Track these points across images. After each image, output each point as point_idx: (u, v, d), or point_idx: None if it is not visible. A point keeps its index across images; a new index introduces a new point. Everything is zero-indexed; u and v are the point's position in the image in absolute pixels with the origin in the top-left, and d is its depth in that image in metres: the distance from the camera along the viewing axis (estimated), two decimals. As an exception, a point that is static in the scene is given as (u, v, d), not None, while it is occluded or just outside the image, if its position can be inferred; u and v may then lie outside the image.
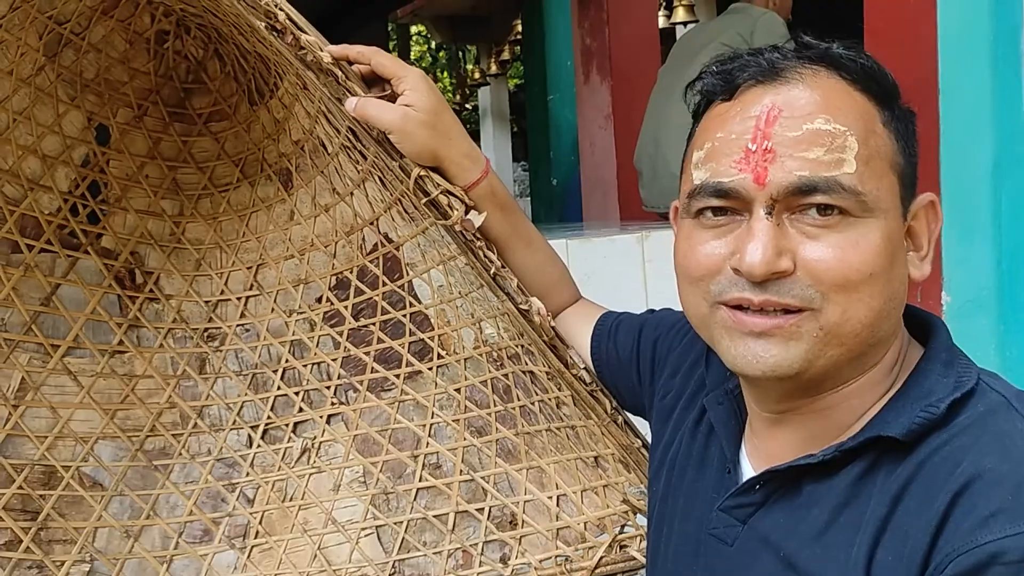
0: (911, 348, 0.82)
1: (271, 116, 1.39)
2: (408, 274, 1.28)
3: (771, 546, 0.79)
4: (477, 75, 9.24)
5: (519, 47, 7.83)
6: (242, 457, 1.33)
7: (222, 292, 1.40)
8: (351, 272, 1.34)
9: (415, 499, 1.26)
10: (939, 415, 0.73)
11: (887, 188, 0.75)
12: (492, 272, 1.07)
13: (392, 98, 1.04)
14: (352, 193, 1.31)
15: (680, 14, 5.76)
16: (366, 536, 1.27)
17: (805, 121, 0.74)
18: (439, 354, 1.27)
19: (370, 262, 1.32)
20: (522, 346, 1.19)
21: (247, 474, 1.32)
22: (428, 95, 1.03)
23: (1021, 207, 2.76)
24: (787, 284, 0.74)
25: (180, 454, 1.32)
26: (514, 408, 1.21)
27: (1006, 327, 2.84)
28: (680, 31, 5.55)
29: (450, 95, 12.79)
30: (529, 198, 7.37)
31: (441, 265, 1.23)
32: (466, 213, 1.05)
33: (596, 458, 1.17)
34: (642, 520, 1.13)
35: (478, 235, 1.06)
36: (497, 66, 8.76)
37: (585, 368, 1.13)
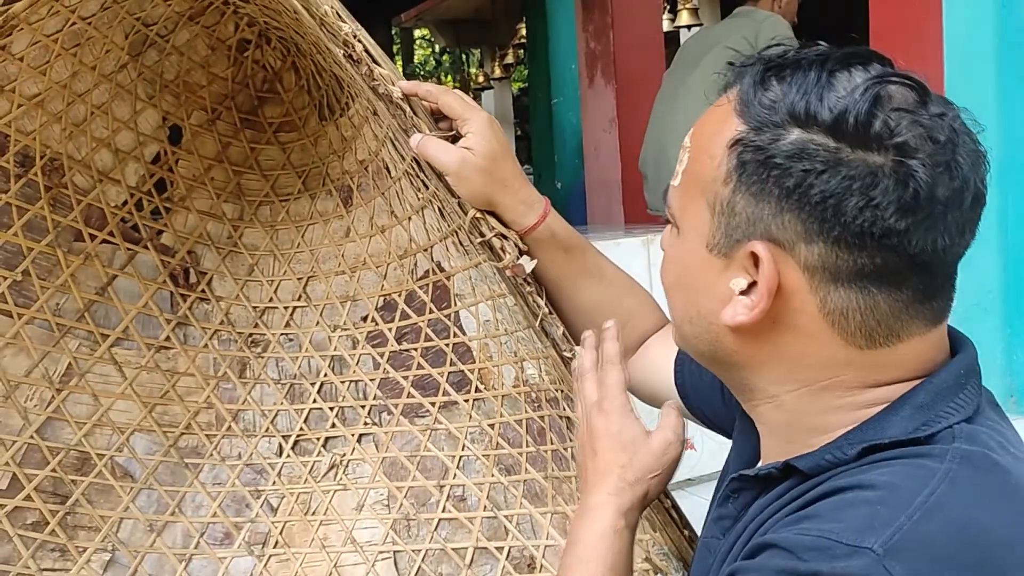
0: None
1: (339, 133, 1.41)
2: (456, 304, 1.29)
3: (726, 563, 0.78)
4: (481, 79, 9.14)
5: (523, 51, 7.81)
6: (271, 465, 1.35)
7: (271, 300, 1.42)
8: (399, 295, 1.35)
9: (436, 529, 1.27)
10: (849, 456, 0.69)
11: (693, 211, 0.73)
12: (540, 318, 1.07)
13: (456, 139, 1.05)
14: (410, 218, 1.32)
15: (684, 17, 5.77)
16: (383, 560, 1.27)
17: (689, 134, 0.78)
18: (477, 387, 1.28)
19: (419, 287, 1.33)
20: (562, 391, 1.19)
21: (273, 483, 1.34)
22: (490, 140, 1.04)
23: None
24: None
25: (211, 455, 1.34)
26: (546, 451, 1.21)
27: (1012, 330, 2.84)
28: (684, 35, 5.51)
29: None
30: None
31: (490, 301, 1.24)
32: (519, 257, 1.06)
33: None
34: (663, 580, 1.12)
35: (529, 280, 1.07)
36: (501, 70, 8.65)
37: None
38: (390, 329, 1.35)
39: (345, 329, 1.38)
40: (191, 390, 1.35)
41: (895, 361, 0.70)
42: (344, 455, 1.34)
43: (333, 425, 1.35)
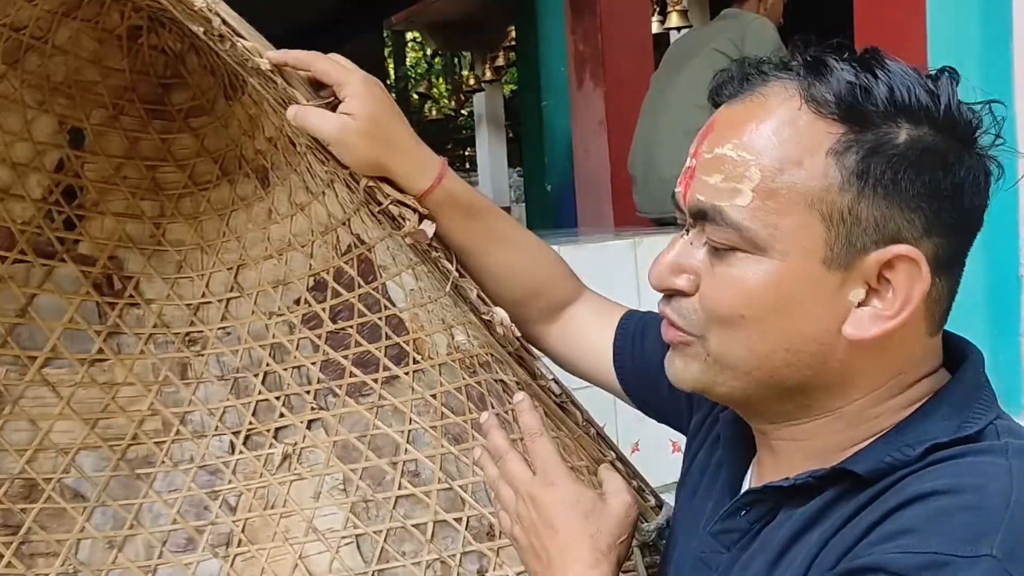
0: (939, 383, 0.75)
1: (245, 112, 1.34)
2: (381, 276, 1.24)
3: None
4: (472, 81, 9.17)
5: (514, 53, 7.76)
6: (224, 464, 1.32)
7: (203, 295, 1.37)
8: (328, 273, 1.30)
9: (394, 507, 1.23)
10: (911, 457, 0.68)
11: (794, 227, 0.68)
12: (451, 282, 1.02)
13: (336, 105, 0.98)
14: (324, 192, 1.26)
15: (674, 19, 5.73)
16: (346, 545, 1.25)
17: (719, 144, 0.72)
18: (415, 359, 1.23)
19: (345, 263, 1.28)
20: (492, 355, 1.14)
21: (229, 481, 1.31)
22: (369, 102, 0.97)
23: (1010, 212, 2.70)
24: (680, 304, 0.76)
25: (163, 462, 1.31)
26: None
27: (998, 330, 2.81)
28: (674, 36, 5.50)
29: (446, 101, 12.81)
30: (524, 204, 7.38)
31: (410, 269, 1.18)
32: (419, 223, 1.00)
33: (571, 470, 1.12)
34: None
35: (434, 244, 1.01)
36: (492, 72, 8.68)
37: (554, 379, 1.08)
38: (324, 309, 1.30)
39: (280, 315, 1.34)
40: (133, 399, 1.32)
41: (934, 352, 0.74)
42: (296, 444, 1.30)
43: (282, 415, 1.32)
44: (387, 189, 0.99)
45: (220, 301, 1.37)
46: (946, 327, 0.74)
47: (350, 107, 0.97)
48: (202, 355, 1.35)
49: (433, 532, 1.20)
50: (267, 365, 1.33)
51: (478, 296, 1.03)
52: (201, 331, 1.36)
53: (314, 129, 0.97)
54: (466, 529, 1.19)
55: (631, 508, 0.88)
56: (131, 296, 1.35)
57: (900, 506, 0.64)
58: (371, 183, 0.99)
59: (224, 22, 0.97)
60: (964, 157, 0.68)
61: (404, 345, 1.24)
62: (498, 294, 1.06)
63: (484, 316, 1.04)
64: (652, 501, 1.07)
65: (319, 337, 1.30)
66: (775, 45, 3.21)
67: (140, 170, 1.38)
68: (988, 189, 0.70)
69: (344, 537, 1.25)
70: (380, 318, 1.25)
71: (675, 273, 0.75)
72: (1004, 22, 2.64)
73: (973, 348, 0.76)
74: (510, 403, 1.14)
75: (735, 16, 3.47)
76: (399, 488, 1.23)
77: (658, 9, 6.16)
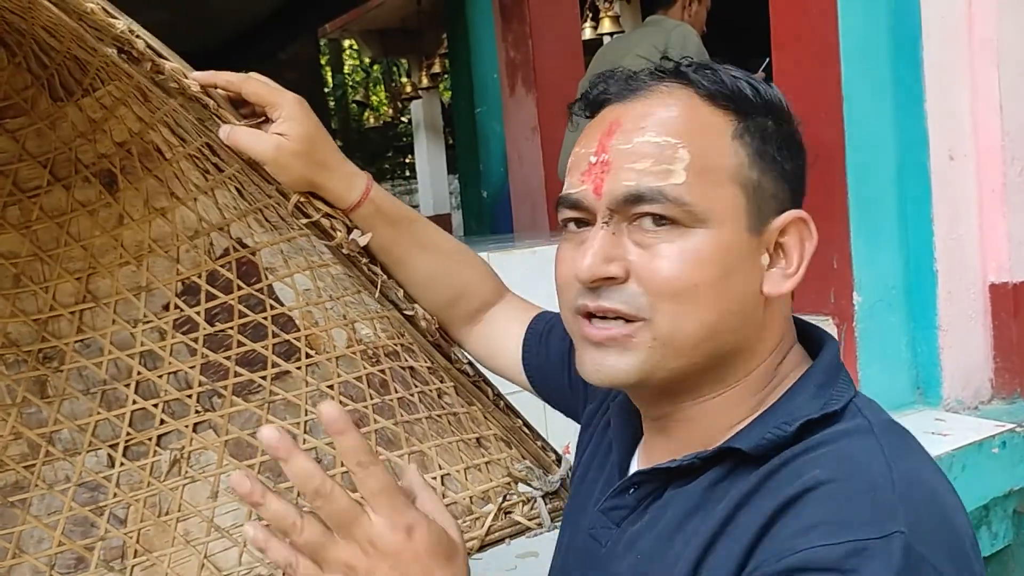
0: (798, 368, 0.84)
1: (84, 115, 1.28)
2: (267, 278, 1.27)
3: (634, 550, 0.82)
4: (409, 88, 9.09)
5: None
6: (105, 478, 1.29)
7: (51, 308, 1.31)
8: (200, 277, 1.30)
9: (299, 495, 1.30)
10: (788, 433, 0.75)
11: (724, 199, 0.77)
12: (379, 285, 1.10)
13: (266, 125, 1.02)
14: (196, 199, 1.26)
15: (606, 25, 5.93)
16: (254, 537, 1.29)
17: (636, 135, 0.78)
18: (307, 354, 1.29)
19: (221, 266, 1.29)
20: (401, 345, 1.23)
21: (114, 495, 1.29)
22: (302, 123, 1.02)
23: (925, 209, 2.84)
24: (618, 291, 0.78)
25: (36, 486, 1.26)
26: (391, 400, 1.27)
27: (915, 324, 2.94)
28: (607, 42, 5.63)
29: (385, 108, 12.21)
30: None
31: (308, 271, 1.23)
32: (349, 234, 1.07)
33: (478, 439, 1.27)
34: (524, 488, 1.25)
35: (362, 253, 1.09)
36: (429, 79, 8.66)
37: (469, 362, 1.20)
38: (198, 313, 1.31)
39: (147, 322, 1.32)
40: (-8, 426, 1.25)
41: (791, 320, 0.86)
42: (183, 448, 1.31)
43: (162, 422, 1.31)
44: (318, 204, 1.06)
45: (72, 313, 1.32)
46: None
47: (283, 128, 1.01)
48: (61, 371, 1.30)
49: (342, 511, 1.29)
50: (138, 374, 1.31)
51: (403, 295, 1.12)
52: (55, 346, 1.30)
53: (249, 149, 1.00)
54: (375, 504, 1.29)
55: (457, 532, 0.78)
56: None
57: (796, 498, 0.69)
58: (302, 199, 1.05)
59: (148, 45, 0.97)
60: (800, 139, 0.83)
61: (294, 342, 1.29)
62: (423, 298, 1.15)
63: (406, 312, 1.14)
64: (553, 456, 1.25)
65: (195, 340, 1.31)
66: (697, 51, 3.32)
67: None
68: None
69: (250, 530, 1.29)
70: (266, 317, 1.29)
71: (607, 262, 0.78)
72: (914, 27, 2.78)
73: (827, 334, 0.87)
74: (417, 386, 1.26)
75: (659, 23, 3.60)
76: (301, 476, 1.29)
77: (591, 15, 6.25)
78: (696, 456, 0.80)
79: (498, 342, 1.20)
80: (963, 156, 2.91)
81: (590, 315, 0.81)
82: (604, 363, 0.80)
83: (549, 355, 1.15)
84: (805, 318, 0.90)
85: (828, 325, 2.90)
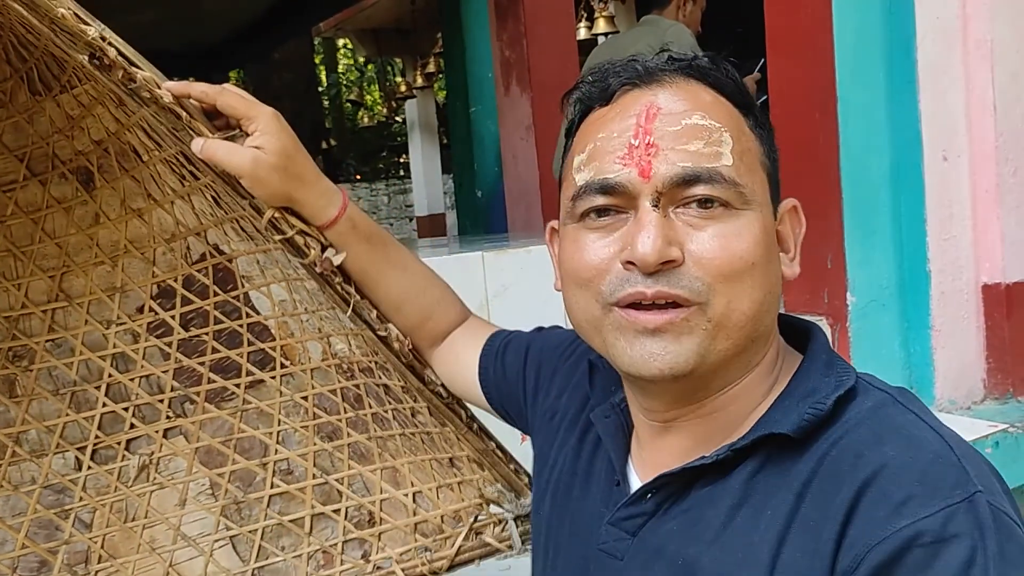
0: (788, 353, 0.85)
1: (62, 111, 1.26)
2: (244, 285, 1.25)
3: (666, 556, 0.79)
4: (404, 88, 9.06)
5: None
6: (72, 481, 1.27)
7: (23, 305, 1.29)
8: (176, 281, 1.28)
9: (268, 506, 1.28)
10: (826, 411, 0.75)
11: (759, 184, 0.79)
12: (351, 305, 1.09)
13: (242, 138, 1.00)
14: (173, 202, 1.23)
15: (601, 25, 5.98)
16: (220, 547, 1.28)
17: (683, 117, 0.77)
18: (282, 363, 1.27)
19: (198, 271, 1.27)
20: (376, 362, 1.22)
21: (80, 498, 1.27)
22: (279, 137, 0.99)
23: (919, 210, 2.81)
24: (676, 275, 0.75)
25: (1, 486, 1.24)
26: (365, 415, 1.25)
27: (909, 324, 2.91)
28: (602, 41, 5.68)
29: (379, 108, 12.16)
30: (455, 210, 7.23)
31: (284, 283, 1.21)
32: (323, 251, 1.05)
33: (451, 459, 1.25)
34: (496, 510, 1.24)
35: (335, 271, 1.07)
36: (423, 79, 8.64)
37: (442, 385, 1.19)
38: (173, 317, 1.29)
39: (121, 323, 1.30)
40: (-43, 425, 1.22)
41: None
42: (152, 453, 1.29)
43: (132, 426, 1.29)
44: (293, 220, 1.03)
45: (44, 311, 1.29)
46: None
47: (260, 141, 0.99)
48: (30, 370, 1.28)
49: (312, 525, 1.27)
50: (109, 376, 1.29)
51: (377, 316, 1.10)
52: (25, 344, 1.28)
53: (225, 162, 0.98)
54: (345, 519, 1.27)
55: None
56: None
57: (871, 480, 0.69)
58: (277, 214, 1.03)
59: (120, 53, 0.94)
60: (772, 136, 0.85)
61: (270, 351, 1.27)
62: (394, 319, 1.13)
63: (379, 332, 1.12)
64: (525, 480, 1.24)
65: (169, 345, 1.29)
66: (692, 51, 3.30)
67: None
68: None
69: (217, 540, 1.27)
70: (241, 325, 1.27)
71: (668, 244, 0.75)
72: (907, 28, 2.75)
73: (813, 324, 0.87)
74: (391, 403, 1.24)
75: (654, 22, 3.62)
76: (271, 487, 1.28)
77: (586, 15, 6.26)
78: (730, 448, 0.78)
79: (459, 364, 1.19)
80: (957, 157, 2.89)
81: (635, 304, 0.77)
82: (663, 350, 0.76)
83: (505, 373, 1.13)
84: (800, 318, 0.92)
85: (822, 325, 2.85)
